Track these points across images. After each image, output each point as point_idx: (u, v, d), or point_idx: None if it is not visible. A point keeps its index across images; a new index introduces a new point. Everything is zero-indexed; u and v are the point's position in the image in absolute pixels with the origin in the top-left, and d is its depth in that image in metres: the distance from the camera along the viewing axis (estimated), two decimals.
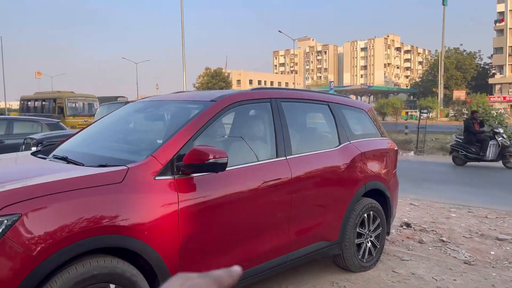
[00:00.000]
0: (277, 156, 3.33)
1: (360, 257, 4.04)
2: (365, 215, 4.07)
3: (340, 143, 3.97)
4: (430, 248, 4.85)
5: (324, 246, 3.70)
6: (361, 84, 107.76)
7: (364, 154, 4.09)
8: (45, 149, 3.57)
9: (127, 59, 59.74)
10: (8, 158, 3.35)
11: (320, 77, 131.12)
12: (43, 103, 25.11)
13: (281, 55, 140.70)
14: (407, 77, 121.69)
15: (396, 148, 4.70)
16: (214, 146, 2.99)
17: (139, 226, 2.40)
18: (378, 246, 4.26)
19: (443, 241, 5.08)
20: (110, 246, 2.32)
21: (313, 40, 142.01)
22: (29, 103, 26.83)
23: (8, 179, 2.39)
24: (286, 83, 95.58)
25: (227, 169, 2.88)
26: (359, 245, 4.06)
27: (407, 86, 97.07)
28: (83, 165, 2.76)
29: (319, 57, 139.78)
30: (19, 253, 2.01)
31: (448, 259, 4.51)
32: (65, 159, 2.96)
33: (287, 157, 3.38)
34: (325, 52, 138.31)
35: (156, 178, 2.57)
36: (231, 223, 2.91)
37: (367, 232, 4.13)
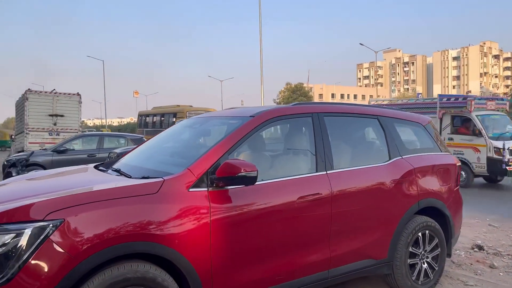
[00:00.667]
0: (316, 171, 3.33)
1: (414, 278, 3.83)
2: (420, 234, 3.86)
3: (390, 158, 3.84)
4: (501, 274, 4.43)
5: (370, 265, 3.58)
6: None
7: (418, 169, 3.90)
8: (109, 162, 3.95)
9: (212, 77, 62.53)
10: (72, 170, 3.76)
11: (408, 89, 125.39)
12: (162, 118, 25.65)
13: (365, 68, 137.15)
14: (507, 86, 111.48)
15: (458, 164, 4.40)
16: (251, 160, 3.10)
17: (171, 234, 2.57)
18: (437, 268, 4.00)
19: None
20: (143, 252, 2.50)
21: (399, 51, 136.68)
22: (147, 118, 27.54)
23: (60, 188, 2.72)
24: (371, 96, 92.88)
25: (263, 182, 2.98)
26: (412, 266, 3.85)
27: (508, 97, 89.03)
28: (130, 177, 3.02)
29: (406, 69, 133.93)
30: (61, 254, 2.27)
31: None
32: (118, 171, 3.26)
33: (328, 172, 3.36)
34: (413, 63, 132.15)
35: (190, 189, 2.73)
36: (264, 235, 2.96)
37: (422, 252, 3.90)
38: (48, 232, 2.27)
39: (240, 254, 2.85)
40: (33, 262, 2.22)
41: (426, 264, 3.93)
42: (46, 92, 16.72)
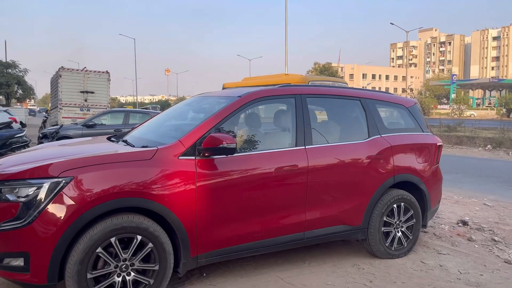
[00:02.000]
0: (296, 146, 3.79)
1: (387, 244, 4.26)
2: (395, 205, 4.27)
3: (369, 136, 4.23)
4: (476, 246, 4.79)
5: (344, 230, 4.04)
6: (491, 77, 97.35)
7: (395, 147, 4.28)
8: (120, 134, 4.53)
9: (241, 56, 62.63)
10: (88, 140, 4.38)
11: (443, 70, 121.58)
12: None
13: (399, 48, 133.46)
14: None
15: (439, 144, 4.73)
16: (236, 135, 3.60)
17: (161, 193, 3.10)
18: (411, 237, 4.41)
19: (494, 240, 4.94)
20: (137, 206, 3.06)
21: (436, 30, 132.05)
22: None
23: (75, 153, 3.31)
24: (403, 77, 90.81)
25: (245, 154, 3.49)
26: (387, 234, 4.28)
27: None
28: (134, 146, 3.57)
29: (442, 49, 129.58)
30: (70, 204, 2.84)
31: (489, 257, 4.44)
32: (125, 142, 3.83)
33: (306, 147, 3.80)
34: (450, 43, 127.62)
35: (180, 157, 3.26)
36: (243, 199, 3.46)
37: (397, 222, 4.31)
38: (61, 186, 2.85)
39: (221, 213, 3.37)
40: (48, 210, 2.81)
41: (400, 233, 4.35)
42: (77, 70, 17.65)
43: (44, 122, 21.01)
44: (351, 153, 4.05)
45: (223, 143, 3.20)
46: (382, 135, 4.30)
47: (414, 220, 4.42)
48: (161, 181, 3.13)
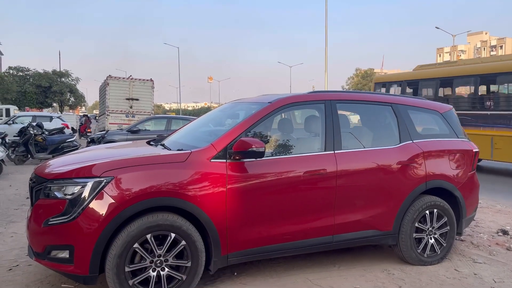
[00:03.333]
0: (325, 150, 3.87)
1: (419, 251, 4.23)
2: (427, 212, 4.24)
3: (400, 142, 4.24)
4: None
5: (374, 235, 4.06)
6: None
7: (427, 153, 4.26)
8: (159, 138, 4.79)
9: (282, 63, 62.97)
10: (130, 144, 4.67)
11: None
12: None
13: (446, 52, 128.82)
14: None
15: (475, 150, 4.64)
16: (267, 139, 3.74)
17: (194, 193, 3.29)
18: (445, 245, 4.35)
19: None
20: (171, 205, 3.26)
21: (486, 33, 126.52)
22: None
23: (116, 155, 3.57)
24: None
25: (275, 157, 3.63)
26: (420, 240, 4.25)
27: None
28: (170, 149, 3.79)
29: (493, 52, 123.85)
30: (111, 202, 3.08)
31: None
32: (163, 145, 4.07)
33: (335, 152, 3.88)
34: (501, 47, 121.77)
35: (212, 160, 3.43)
36: (272, 201, 3.58)
37: (429, 228, 4.27)
38: (103, 185, 3.09)
39: (251, 214, 3.50)
40: (91, 207, 3.06)
41: (433, 240, 4.30)
42: (124, 78, 18.49)
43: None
44: (381, 158, 4.08)
45: (252, 146, 3.35)
46: (414, 141, 4.30)
47: (448, 227, 4.36)
48: (194, 182, 3.32)
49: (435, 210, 4.28)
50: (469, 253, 4.70)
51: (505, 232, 5.40)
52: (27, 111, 33.41)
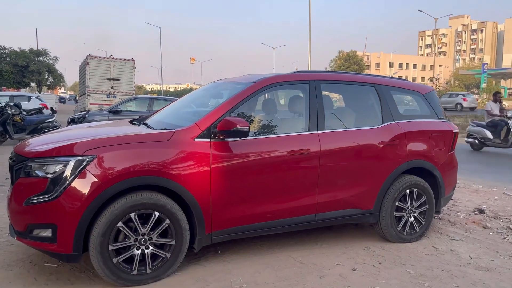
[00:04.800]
0: (308, 130, 3.89)
1: (399, 229, 4.33)
2: (407, 191, 4.33)
3: (383, 122, 4.29)
4: (490, 233, 4.80)
5: (355, 213, 4.14)
6: None
7: (409, 133, 4.33)
8: (141, 117, 4.74)
9: (265, 45, 62.57)
10: (111, 123, 4.60)
11: (474, 58, 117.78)
12: None
13: (428, 36, 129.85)
14: None
15: (455, 131, 4.73)
16: (251, 119, 3.73)
17: (178, 172, 3.28)
18: (423, 223, 4.47)
19: (510, 228, 4.94)
20: (155, 184, 3.25)
21: (467, 17, 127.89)
22: None
23: (98, 134, 3.52)
24: (431, 66, 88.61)
25: (259, 137, 3.63)
26: (399, 218, 4.35)
27: None
28: (153, 128, 3.76)
29: (473, 37, 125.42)
30: (93, 181, 3.05)
31: (503, 244, 4.46)
32: (145, 125, 4.03)
33: (319, 132, 3.91)
34: (482, 31, 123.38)
35: (196, 139, 3.42)
36: (256, 180, 3.60)
37: (409, 207, 4.38)
38: (85, 164, 3.06)
39: (235, 193, 3.52)
40: (73, 186, 3.03)
41: (412, 218, 4.41)
42: (104, 58, 18.10)
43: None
44: (364, 139, 4.13)
45: (237, 126, 3.34)
46: (396, 121, 4.35)
47: (427, 206, 4.47)
48: (178, 161, 3.31)
49: (415, 189, 4.37)
50: (447, 231, 4.85)
51: (481, 211, 5.57)
52: (4, 90, 32.52)
